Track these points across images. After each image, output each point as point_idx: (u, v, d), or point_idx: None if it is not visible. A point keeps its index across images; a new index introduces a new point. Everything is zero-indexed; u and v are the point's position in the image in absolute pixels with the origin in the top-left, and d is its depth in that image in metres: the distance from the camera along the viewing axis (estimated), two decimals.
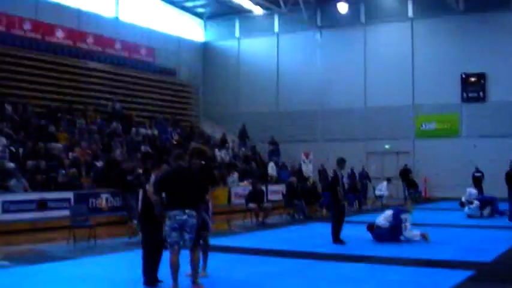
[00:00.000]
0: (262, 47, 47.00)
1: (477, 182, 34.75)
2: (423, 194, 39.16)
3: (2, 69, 31.55)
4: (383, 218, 17.92)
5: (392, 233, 17.67)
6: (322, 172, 38.01)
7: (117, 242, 17.89)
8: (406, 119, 41.75)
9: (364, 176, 37.64)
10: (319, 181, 36.50)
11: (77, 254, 15.45)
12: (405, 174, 38.61)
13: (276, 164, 39.81)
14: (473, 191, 30.74)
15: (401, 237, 17.73)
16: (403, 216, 17.88)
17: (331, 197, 18.17)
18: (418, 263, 13.91)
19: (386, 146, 42.34)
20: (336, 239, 17.46)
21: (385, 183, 34.60)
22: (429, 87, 40.49)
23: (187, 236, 10.56)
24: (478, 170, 35.79)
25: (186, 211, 10.53)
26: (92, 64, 36.74)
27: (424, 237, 17.61)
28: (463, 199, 29.04)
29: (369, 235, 18.02)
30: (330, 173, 18.41)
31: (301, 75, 44.50)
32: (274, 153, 41.80)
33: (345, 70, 43.17)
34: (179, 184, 10.70)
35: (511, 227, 21.86)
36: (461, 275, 12.29)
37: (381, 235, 17.66)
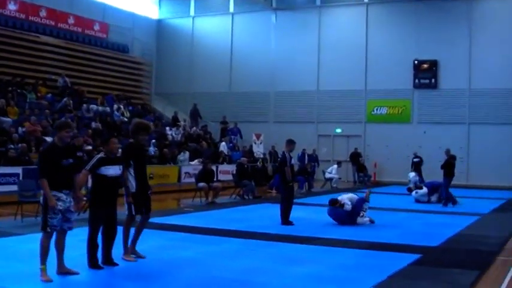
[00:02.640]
0: (216, 26, 46.70)
1: (416, 166, 35.53)
2: (372, 178, 39.51)
3: None
4: (348, 198, 18.01)
5: (349, 217, 17.81)
6: (272, 154, 38.22)
7: None
8: (358, 103, 41.89)
9: (314, 159, 37.82)
10: (269, 162, 36.84)
11: (25, 229, 15.36)
12: (355, 157, 39.00)
13: (230, 142, 39.86)
14: (412, 174, 31.54)
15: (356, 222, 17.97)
16: (365, 206, 18.13)
17: (280, 178, 18.27)
18: (365, 246, 14.05)
19: (338, 130, 42.52)
20: (285, 220, 17.57)
21: (335, 166, 34.89)
22: (382, 72, 40.62)
23: None
24: (416, 156, 36.77)
25: None
26: (45, 38, 36.33)
27: (370, 221, 17.90)
28: (411, 185, 29.72)
29: (318, 216, 18.15)
30: (280, 155, 18.47)
31: (255, 57, 44.42)
32: (232, 132, 41.62)
33: (299, 53, 43.10)
34: None
35: (458, 213, 22.10)
36: (408, 258, 12.46)
37: (340, 215, 17.76)
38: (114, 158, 11.06)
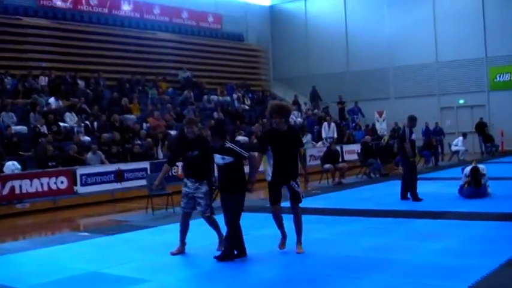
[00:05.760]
0: (329, 6, 46.31)
1: None
2: (500, 147, 38.50)
3: (72, 45, 32.12)
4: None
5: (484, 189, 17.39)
6: (396, 130, 37.70)
7: None
8: (479, 71, 40.83)
9: (438, 132, 37.11)
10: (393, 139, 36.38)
11: (156, 222, 15.66)
12: (481, 128, 37.99)
13: (353, 122, 39.47)
14: None
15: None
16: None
17: (400, 154, 18.06)
18: (498, 217, 13.66)
19: (461, 101, 41.60)
20: (405, 195, 17.46)
21: (460, 138, 34.12)
22: (502, 37, 39.33)
23: None
24: None
25: None
26: (161, 34, 37.11)
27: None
28: None
29: (446, 190, 17.80)
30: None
31: (370, 33, 43.82)
32: (353, 111, 41.22)
33: (415, 25, 42.32)
34: None
35: None
36: None
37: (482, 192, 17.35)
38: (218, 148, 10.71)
